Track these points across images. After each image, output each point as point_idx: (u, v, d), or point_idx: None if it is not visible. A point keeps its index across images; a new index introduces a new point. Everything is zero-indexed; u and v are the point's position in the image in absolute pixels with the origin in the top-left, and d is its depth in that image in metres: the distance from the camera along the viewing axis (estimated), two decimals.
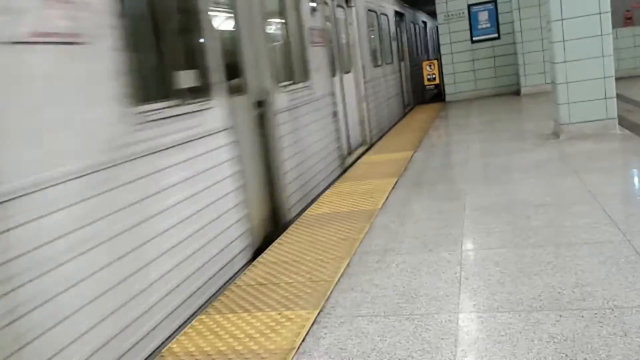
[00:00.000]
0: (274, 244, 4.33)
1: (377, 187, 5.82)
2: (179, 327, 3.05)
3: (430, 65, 14.81)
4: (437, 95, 15.72)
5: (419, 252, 3.76)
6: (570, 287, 2.90)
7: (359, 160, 7.63)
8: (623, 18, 13.30)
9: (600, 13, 6.72)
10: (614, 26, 13.10)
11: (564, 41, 6.83)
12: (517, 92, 13.13)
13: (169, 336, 2.96)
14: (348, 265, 3.69)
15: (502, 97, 13.13)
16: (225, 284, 3.63)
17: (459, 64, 14.03)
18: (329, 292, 3.27)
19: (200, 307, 3.28)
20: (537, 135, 7.42)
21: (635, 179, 4.94)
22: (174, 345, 2.84)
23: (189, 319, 3.14)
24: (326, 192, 5.99)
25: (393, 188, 5.69)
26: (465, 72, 14.00)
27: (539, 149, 6.56)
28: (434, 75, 14.76)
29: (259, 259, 4.02)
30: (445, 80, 14.24)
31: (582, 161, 5.66)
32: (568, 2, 6.77)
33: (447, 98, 14.20)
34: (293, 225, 4.80)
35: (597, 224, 3.77)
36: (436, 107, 13.24)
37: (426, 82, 14.96)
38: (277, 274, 3.67)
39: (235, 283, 3.60)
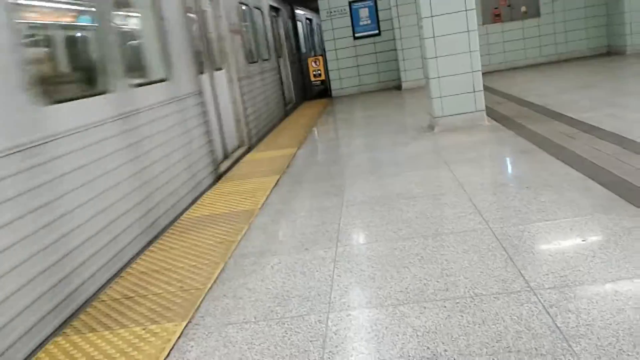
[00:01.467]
0: (145, 252, 4.10)
1: (259, 185, 5.73)
2: (32, 351, 2.77)
3: (315, 62, 14.93)
4: (324, 90, 15.92)
5: (295, 251, 3.71)
6: (436, 277, 2.98)
7: (242, 159, 7.50)
8: (492, 15, 14.17)
9: (466, 10, 7.05)
10: (484, 22, 14.03)
11: (434, 37, 7.11)
12: (398, 87, 13.58)
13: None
14: (222, 270, 3.56)
15: (385, 92, 13.52)
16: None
17: (342, 59, 14.27)
18: (200, 301, 3.12)
19: None
20: (415, 129, 7.68)
21: (499, 168, 5.23)
22: None
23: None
24: (206, 193, 5.80)
25: (275, 186, 5.63)
26: (349, 67, 14.28)
27: (416, 142, 6.78)
28: (319, 72, 14.90)
29: (128, 269, 3.78)
30: (331, 76, 14.43)
31: (453, 153, 5.90)
32: (437, 0, 7.04)
33: (333, 94, 14.40)
34: (168, 230, 4.58)
35: (463, 213, 3.92)
36: (322, 103, 13.38)
37: (312, 78, 15.07)
38: (146, 284, 3.47)
39: (98, 298, 3.35)
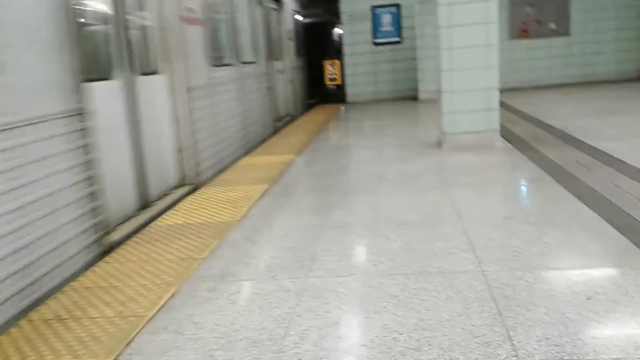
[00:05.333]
0: (100, 263, 3.70)
1: (245, 194, 5.31)
2: None
3: (332, 65, 14.50)
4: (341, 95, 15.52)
5: (260, 278, 3.28)
6: (409, 330, 2.51)
7: (237, 162, 7.09)
8: (519, 30, 13.61)
9: (487, 23, 6.57)
10: (510, 38, 13.46)
11: (450, 49, 6.63)
12: (415, 98, 13.09)
13: None
14: (174, 294, 3.13)
15: (401, 101, 13.05)
16: None
17: (360, 65, 13.82)
18: (134, 333, 2.70)
19: None
20: (422, 144, 7.20)
21: (504, 197, 4.72)
22: None
23: None
24: (190, 196, 5.40)
25: (260, 197, 5.20)
26: (367, 74, 13.83)
27: (420, 159, 6.31)
28: (335, 76, 14.47)
29: (73, 283, 3.38)
30: (347, 81, 14.00)
31: (458, 175, 5.43)
32: (456, 9, 6.56)
33: (349, 99, 13.97)
34: (133, 239, 4.18)
35: (455, 249, 3.45)
36: (335, 108, 12.94)
37: (327, 82, 14.65)
38: (85, 304, 3.05)
39: (29, 317, 2.95)
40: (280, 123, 10.35)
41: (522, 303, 2.69)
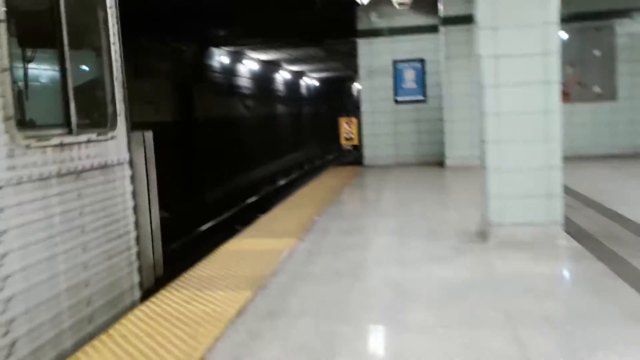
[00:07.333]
0: None
1: (215, 310, 3.75)
2: None
3: (348, 123, 13.13)
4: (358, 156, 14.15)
5: None
6: None
7: (222, 247, 5.57)
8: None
9: (547, 82, 5.11)
10: None
11: (498, 115, 5.15)
12: (440, 164, 11.58)
13: None
14: None
15: (425, 167, 11.52)
16: None
17: (380, 125, 12.41)
18: None
19: None
20: (459, 233, 5.61)
21: (597, 352, 3.03)
22: None
23: None
24: (139, 308, 3.88)
25: (236, 316, 3.63)
26: (387, 135, 12.38)
27: (460, 260, 4.71)
28: (352, 135, 13.08)
29: None
30: (365, 142, 12.57)
31: (519, 296, 3.81)
32: (505, 64, 5.12)
33: (366, 162, 12.49)
34: None
35: None
36: (351, 172, 11.44)
37: (343, 142, 13.27)
38: None
39: None
40: None
41: None
